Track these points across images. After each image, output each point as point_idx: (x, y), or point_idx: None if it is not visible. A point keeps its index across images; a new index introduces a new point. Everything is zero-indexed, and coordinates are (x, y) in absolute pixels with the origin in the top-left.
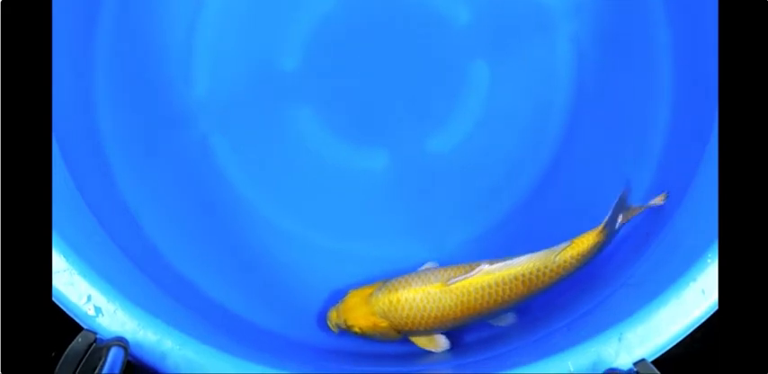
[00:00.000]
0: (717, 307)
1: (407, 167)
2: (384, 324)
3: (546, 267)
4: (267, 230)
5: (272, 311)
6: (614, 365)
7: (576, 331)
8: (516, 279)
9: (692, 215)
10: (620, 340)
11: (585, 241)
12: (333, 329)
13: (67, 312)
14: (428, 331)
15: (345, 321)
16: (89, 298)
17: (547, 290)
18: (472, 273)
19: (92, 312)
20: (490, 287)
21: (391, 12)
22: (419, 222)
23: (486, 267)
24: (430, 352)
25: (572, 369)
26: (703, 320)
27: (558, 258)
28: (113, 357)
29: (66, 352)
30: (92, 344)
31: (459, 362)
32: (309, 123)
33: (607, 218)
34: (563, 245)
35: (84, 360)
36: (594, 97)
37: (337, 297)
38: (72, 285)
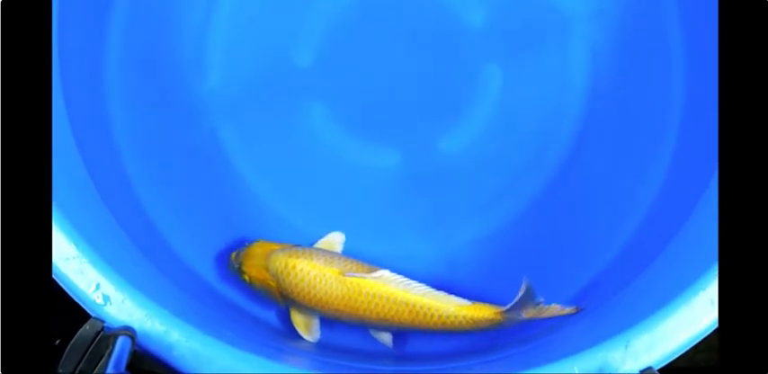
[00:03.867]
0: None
1: (418, 166)
2: (273, 283)
3: (437, 310)
4: (276, 224)
5: (280, 306)
6: (620, 371)
7: (583, 336)
8: (406, 305)
9: (704, 223)
10: (626, 347)
11: (482, 311)
12: (229, 268)
13: (76, 299)
14: (308, 309)
15: (240, 265)
16: (98, 287)
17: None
18: (370, 275)
19: (100, 300)
20: (380, 298)
21: (407, 11)
22: (427, 221)
23: (386, 274)
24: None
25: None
26: (711, 330)
27: (451, 309)
28: (121, 346)
29: (74, 339)
30: (99, 332)
31: (466, 363)
32: (321, 119)
33: (510, 304)
34: (465, 302)
35: (91, 348)
36: (607, 102)
37: None
38: (81, 273)
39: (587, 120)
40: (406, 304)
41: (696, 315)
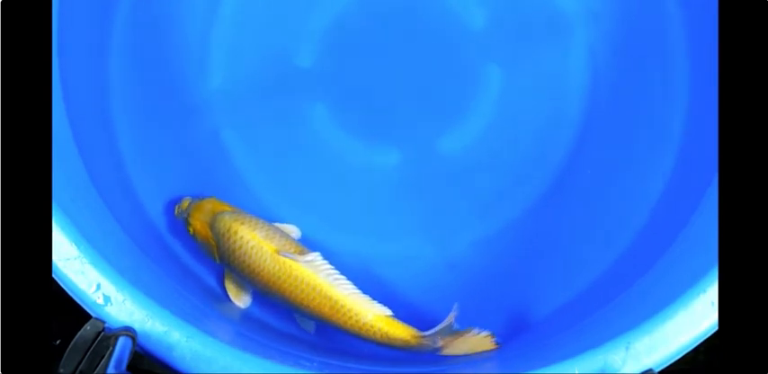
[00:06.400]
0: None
1: (418, 166)
2: (212, 242)
3: (356, 314)
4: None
5: (279, 306)
6: (621, 373)
7: (584, 338)
8: (329, 299)
9: (704, 225)
10: (627, 348)
11: (398, 329)
12: (176, 215)
13: (76, 300)
14: (240, 277)
15: (188, 215)
16: (98, 287)
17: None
18: (302, 258)
19: (100, 301)
20: (306, 285)
21: (408, 12)
22: (428, 221)
23: (317, 258)
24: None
25: None
26: (712, 332)
27: (369, 317)
28: (121, 346)
29: (74, 340)
30: (100, 333)
31: (467, 363)
32: (322, 120)
33: (429, 332)
34: (385, 312)
35: (92, 348)
36: (607, 102)
37: None
38: (82, 273)
39: (588, 120)
40: (329, 299)
41: (697, 317)
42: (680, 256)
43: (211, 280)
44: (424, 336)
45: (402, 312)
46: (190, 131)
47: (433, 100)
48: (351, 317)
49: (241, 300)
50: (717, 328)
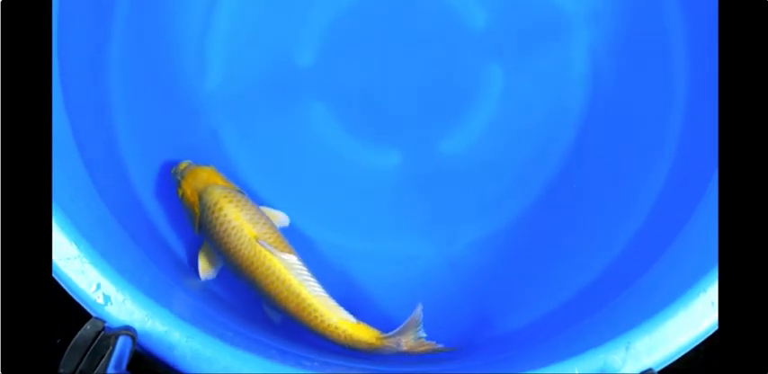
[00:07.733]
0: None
1: (419, 167)
2: (196, 211)
3: (321, 315)
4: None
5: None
6: (621, 373)
7: (584, 338)
8: (297, 296)
9: (704, 225)
10: (627, 348)
11: (362, 332)
12: (171, 175)
13: (76, 299)
14: (216, 251)
15: (182, 179)
16: (98, 287)
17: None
18: (278, 253)
19: (100, 300)
20: (276, 278)
21: (409, 12)
22: (429, 222)
23: (292, 260)
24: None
25: None
26: (712, 331)
27: (334, 319)
28: (121, 346)
29: (74, 339)
30: (100, 332)
31: (468, 363)
32: (322, 120)
33: (392, 332)
34: (350, 319)
35: (92, 348)
36: (608, 103)
37: (346, 296)
38: (83, 273)
39: (588, 120)
40: (297, 296)
41: (696, 317)
42: (680, 256)
43: (211, 281)
44: (387, 337)
45: (401, 312)
46: (190, 131)
47: (434, 100)
48: (316, 317)
49: (206, 274)
50: (717, 328)
